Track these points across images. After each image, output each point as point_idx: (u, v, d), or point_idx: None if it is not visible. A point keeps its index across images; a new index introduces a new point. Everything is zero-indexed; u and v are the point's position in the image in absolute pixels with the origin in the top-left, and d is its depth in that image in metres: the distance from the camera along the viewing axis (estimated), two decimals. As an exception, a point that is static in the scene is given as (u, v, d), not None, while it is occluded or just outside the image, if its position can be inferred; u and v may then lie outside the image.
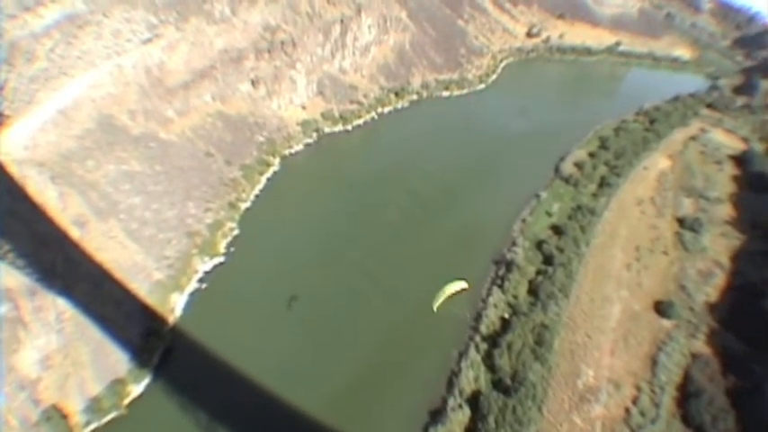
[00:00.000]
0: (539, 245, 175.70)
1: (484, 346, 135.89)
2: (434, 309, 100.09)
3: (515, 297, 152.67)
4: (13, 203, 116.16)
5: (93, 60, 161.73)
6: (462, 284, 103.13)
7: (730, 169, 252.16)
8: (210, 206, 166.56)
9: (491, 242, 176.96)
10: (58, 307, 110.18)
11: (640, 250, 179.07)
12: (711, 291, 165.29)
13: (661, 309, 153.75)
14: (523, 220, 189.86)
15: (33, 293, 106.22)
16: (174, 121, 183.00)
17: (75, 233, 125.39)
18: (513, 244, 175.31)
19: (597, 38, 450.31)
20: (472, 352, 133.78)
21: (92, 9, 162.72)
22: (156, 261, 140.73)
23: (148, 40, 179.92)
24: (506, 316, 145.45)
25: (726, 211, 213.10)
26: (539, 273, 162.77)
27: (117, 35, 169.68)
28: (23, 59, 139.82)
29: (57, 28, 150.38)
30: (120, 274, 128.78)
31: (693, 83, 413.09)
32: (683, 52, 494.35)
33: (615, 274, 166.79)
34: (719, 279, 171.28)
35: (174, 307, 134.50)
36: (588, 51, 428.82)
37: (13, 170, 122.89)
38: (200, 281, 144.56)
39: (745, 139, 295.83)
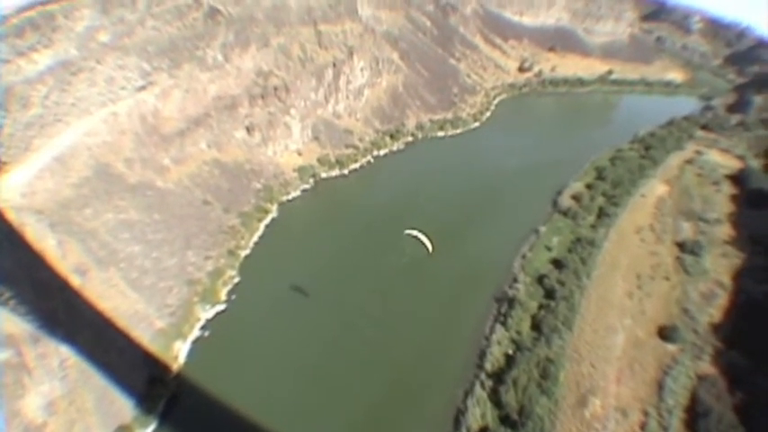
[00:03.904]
0: (540, 280, 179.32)
1: (489, 383, 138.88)
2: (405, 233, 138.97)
3: (519, 333, 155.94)
4: (12, 250, 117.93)
5: (88, 108, 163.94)
6: (428, 244, 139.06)
7: (728, 189, 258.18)
8: (210, 254, 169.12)
9: (492, 280, 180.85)
10: (61, 354, 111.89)
11: (642, 278, 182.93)
12: (714, 311, 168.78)
13: (665, 334, 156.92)
14: (523, 256, 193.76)
15: (36, 340, 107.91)
16: (171, 169, 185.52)
17: (75, 281, 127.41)
18: (515, 280, 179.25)
19: (589, 68, 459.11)
20: (478, 389, 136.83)
21: (84, 55, 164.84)
22: (158, 309, 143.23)
23: (142, 88, 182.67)
24: (510, 352, 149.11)
25: (725, 230, 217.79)
26: (541, 307, 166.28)
27: (111, 82, 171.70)
28: (19, 105, 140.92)
29: (50, 74, 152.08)
30: (122, 322, 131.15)
31: (687, 105, 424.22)
32: (676, 75, 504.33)
33: (617, 303, 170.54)
34: (722, 299, 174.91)
35: (178, 354, 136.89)
36: (580, 82, 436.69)
37: (12, 217, 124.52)
38: (203, 328, 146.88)
39: (741, 158, 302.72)
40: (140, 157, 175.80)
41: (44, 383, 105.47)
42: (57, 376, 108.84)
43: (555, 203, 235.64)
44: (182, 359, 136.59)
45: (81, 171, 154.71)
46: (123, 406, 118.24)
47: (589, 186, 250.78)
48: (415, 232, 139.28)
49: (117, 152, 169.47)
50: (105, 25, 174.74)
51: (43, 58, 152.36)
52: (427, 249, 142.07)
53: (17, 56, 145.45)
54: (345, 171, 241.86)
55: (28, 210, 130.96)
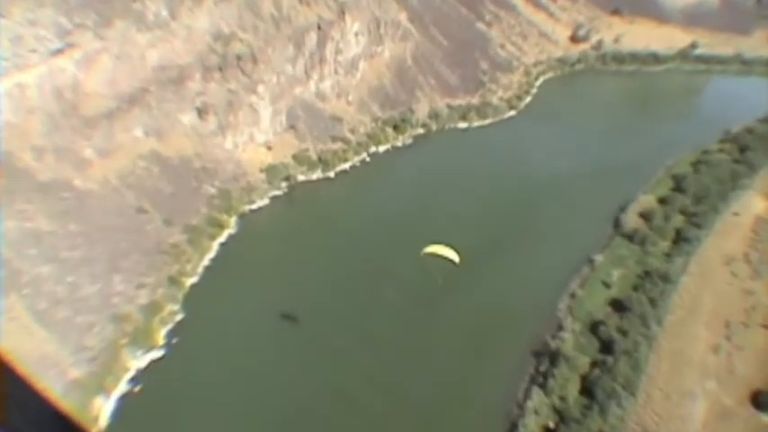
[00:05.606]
0: (594, 327, 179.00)
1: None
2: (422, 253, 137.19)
3: (563, 399, 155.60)
4: None
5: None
6: (454, 255, 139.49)
7: None
8: (145, 281, 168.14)
9: (529, 327, 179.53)
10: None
11: (731, 326, 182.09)
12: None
13: (761, 401, 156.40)
14: (572, 295, 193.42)
15: None
16: (94, 163, 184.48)
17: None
18: (560, 328, 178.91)
19: (666, 39, 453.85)
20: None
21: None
22: (73, 353, 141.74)
23: (59, 51, 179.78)
24: (551, 425, 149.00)
25: None
26: (594, 365, 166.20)
27: (17, 43, 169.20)
28: None
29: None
30: (24, 368, 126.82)
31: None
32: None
33: (698, 359, 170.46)
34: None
35: (98, 415, 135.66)
36: (654, 58, 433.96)
37: None
38: (133, 381, 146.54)
39: None
40: (54, 145, 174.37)
41: None
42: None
43: (617, 223, 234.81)
44: (103, 421, 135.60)
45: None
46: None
47: (663, 201, 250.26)
48: (434, 248, 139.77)
49: (23, 138, 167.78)
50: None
51: None
52: (454, 262, 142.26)
53: None
54: (331, 173, 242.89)
55: None
